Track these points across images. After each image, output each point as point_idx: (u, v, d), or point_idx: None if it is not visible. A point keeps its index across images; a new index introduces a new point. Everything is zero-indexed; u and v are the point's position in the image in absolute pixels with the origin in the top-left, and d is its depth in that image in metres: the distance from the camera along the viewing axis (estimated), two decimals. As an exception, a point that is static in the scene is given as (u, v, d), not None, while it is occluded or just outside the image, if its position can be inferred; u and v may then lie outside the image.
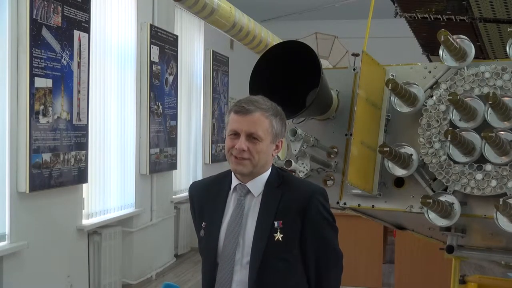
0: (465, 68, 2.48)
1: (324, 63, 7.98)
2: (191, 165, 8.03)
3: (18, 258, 4.24)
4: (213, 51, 8.61)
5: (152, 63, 6.41)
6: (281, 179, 2.08)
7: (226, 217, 2.06)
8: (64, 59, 4.65)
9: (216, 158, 8.75)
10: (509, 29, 2.42)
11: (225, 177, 2.14)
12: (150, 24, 6.38)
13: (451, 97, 2.28)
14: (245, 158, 2.00)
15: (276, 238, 1.99)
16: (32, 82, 4.24)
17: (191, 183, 2.30)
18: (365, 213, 2.81)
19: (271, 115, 2.02)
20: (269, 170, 2.09)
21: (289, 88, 2.60)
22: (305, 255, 2.03)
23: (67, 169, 4.72)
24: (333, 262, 2.10)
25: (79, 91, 4.86)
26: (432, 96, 2.52)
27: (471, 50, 2.49)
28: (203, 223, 2.11)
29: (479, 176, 2.34)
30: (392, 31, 7.81)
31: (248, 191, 2.06)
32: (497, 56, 4.51)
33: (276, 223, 2.00)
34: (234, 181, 2.09)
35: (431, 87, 2.58)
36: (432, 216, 2.39)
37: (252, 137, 1.99)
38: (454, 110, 2.41)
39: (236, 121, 2.00)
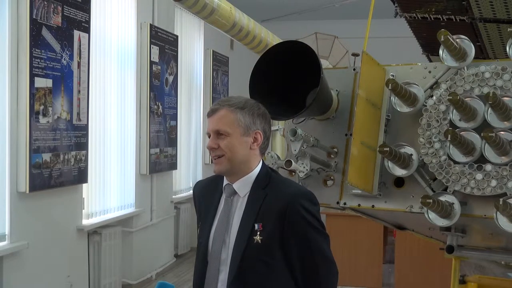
0: (465, 68, 2.48)
1: (324, 63, 7.98)
2: (191, 165, 8.02)
3: (18, 258, 4.24)
4: (213, 51, 8.61)
5: (152, 63, 6.41)
6: (268, 180, 2.04)
7: (217, 217, 2.07)
8: (64, 59, 4.65)
9: (216, 158, 8.74)
10: (509, 29, 2.40)
11: (222, 177, 2.14)
12: (150, 24, 6.38)
13: (451, 97, 2.28)
14: (218, 156, 2.00)
15: (256, 240, 1.96)
16: (32, 82, 4.24)
17: (192, 182, 2.31)
18: (365, 213, 2.81)
19: (237, 109, 2.01)
20: (257, 169, 2.06)
21: (289, 88, 2.60)
22: (289, 259, 1.98)
23: (67, 169, 4.72)
24: (321, 267, 2.01)
25: (79, 91, 4.87)
26: (432, 96, 2.52)
27: (471, 50, 2.49)
28: (200, 222, 2.13)
29: (479, 176, 2.34)
30: (392, 31, 7.81)
31: (235, 192, 2.06)
32: (497, 56, 4.51)
33: (256, 226, 1.97)
34: (225, 181, 2.10)
35: (431, 87, 2.57)
36: (432, 216, 2.39)
37: (219, 134, 2.00)
38: (454, 110, 2.41)
39: (208, 123, 2.04)
